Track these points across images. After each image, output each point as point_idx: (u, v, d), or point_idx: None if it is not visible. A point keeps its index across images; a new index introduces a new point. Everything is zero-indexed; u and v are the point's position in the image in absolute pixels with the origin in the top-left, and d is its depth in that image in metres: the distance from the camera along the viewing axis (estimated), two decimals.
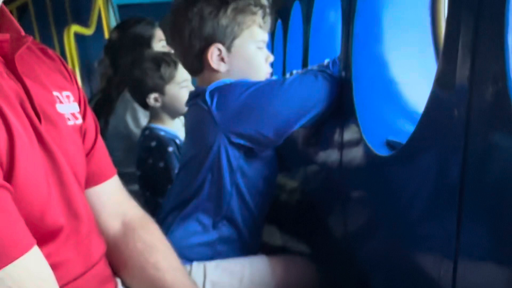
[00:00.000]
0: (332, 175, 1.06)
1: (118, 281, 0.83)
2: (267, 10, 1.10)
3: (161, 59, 1.59)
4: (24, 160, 0.59)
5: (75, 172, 0.70)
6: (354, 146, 0.90)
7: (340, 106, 1.00)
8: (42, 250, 0.59)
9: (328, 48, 1.33)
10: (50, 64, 0.75)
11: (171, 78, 1.58)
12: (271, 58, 1.15)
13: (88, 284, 0.71)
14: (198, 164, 1.09)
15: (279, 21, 1.84)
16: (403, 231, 0.69)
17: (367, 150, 0.82)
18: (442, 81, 0.57)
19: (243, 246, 1.15)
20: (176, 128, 1.68)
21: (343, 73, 0.98)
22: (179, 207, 1.13)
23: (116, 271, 0.83)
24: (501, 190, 0.46)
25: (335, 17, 1.30)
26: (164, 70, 1.57)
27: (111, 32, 2.22)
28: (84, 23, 3.25)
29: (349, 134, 0.94)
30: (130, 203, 0.88)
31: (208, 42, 1.08)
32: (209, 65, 1.10)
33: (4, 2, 0.64)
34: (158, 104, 1.60)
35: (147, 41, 1.96)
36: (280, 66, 1.84)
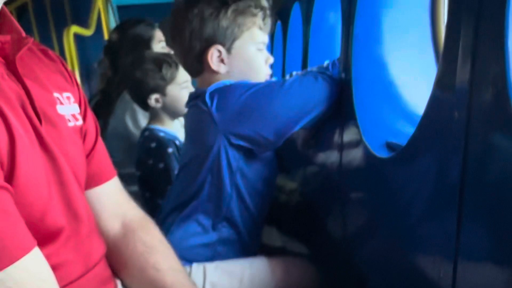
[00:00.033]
0: (332, 176, 1.06)
1: (118, 282, 0.83)
2: (267, 12, 1.11)
3: (162, 60, 1.59)
4: (25, 161, 0.59)
5: (75, 173, 0.70)
6: (354, 147, 0.90)
7: (339, 108, 1.00)
8: (42, 251, 0.59)
9: (328, 50, 1.33)
10: (50, 65, 0.76)
11: (172, 79, 1.59)
12: (271, 59, 1.15)
13: (88, 285, 0.71)
14: (198, 165, 1.09)
15: (279, 22, 1.84)
16: (403, 233, 0.69)
17: (367, 152, 0.82)
18: (442, 83, 0.58)
19: (243, 247, 1.15)
20: (175, 129, 1.68)
21: (343, 75, 0.98)
22: (179, 208, 1.13)
23: (116, 272, 0.83)
24: (501, 192, 0.46)
25: (334, 18, 1.30)
26: (166, 71, 1.57)
27: (110, 33, 2.22)
28: (84, 24, 3.25)
29: (349, 135, 0.94)
30: (130, 204, 0.88)
31: (208, 43, 1.08)
32: (209, 67, 1.10)
33: (4, 3, 0.64)
34: (159, 105, 1.61)
35: (147, 42, 1.96)
36: (280, 67, 1.85)
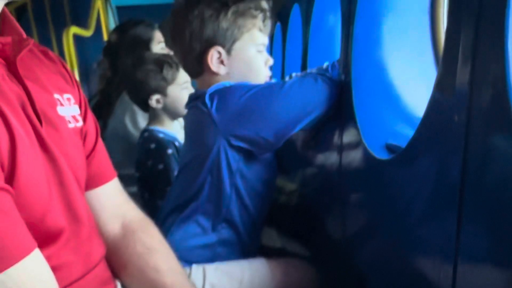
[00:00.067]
0: (332, 178, 1.06)
1: (118, 283, 0.83)
2: (268, 14, 1.11)
3: (163, 61, 1.59)
4: (26, 163, 0.59)
5: (75, 175, 0.70)
6: (354, 149, 0.90)
7: (339, 109, 1.01)
8: (42, 252, 0.59)
9: (327, 51, 1.33)
10: (51, 67, 0.76)
11: (173, 79, 1.59)
12: (271, 61, 1.15)
13: (88, 286, 0.71)
14: (198, 166, 1.09)
15: (278, 23, 1.85)
16: (403, 235, 0.69)
17: (367, 154, 0.82)
18: (443, 85, 0.58)
19: (242, 249, 1.15)
20: (175, 130, 1.68)
21: (343, 76, 0.99)
22: (179, 209, 1.13)
23: (115, 273, 0.83)
24: (501, 193, 0.46)
25: (334, 20, 1.31)
26: (167, 72, 1.58)
27: (110, 33, 2.22)
28: (83, 24, 3.25)
29: (349, 137, 0.94)
30: (130, 205, 0.88)
31: (208, 44, 1.08)
32: (209, 68, 1.10)
33: (5, 4, 0.65)
34: (160, 106, 1.61)
35: (146, 43, 1.96)
36: (279, 69, 1.85)
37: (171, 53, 1.75)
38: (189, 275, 1.07)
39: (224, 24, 1.06)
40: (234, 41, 1.08)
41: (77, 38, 3.05)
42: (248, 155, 1.08)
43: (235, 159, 1.07)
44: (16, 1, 0.63)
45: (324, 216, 1.13)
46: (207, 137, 1.06)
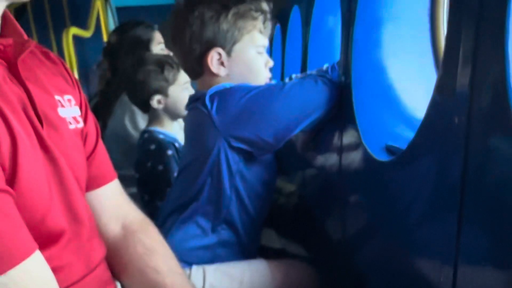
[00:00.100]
0: (332, 179, 1.06)
1: (118, 284, 0.83)
2: (268, 16, 1.11)
3: (164, 62, 1.59)
4: (27, 165, 0.59)
5: (76, 176, 0.71)
6: (354, 150, 0.91)
7: (339, 111, 1.01)
8: (43, 254, 0.60)
9: (327, 53, 1.33)
10: (52, 68, 0.76)
11: (174, 80, 1.60)
12: (271, 63, 1.16)
13: (88, 287, 0.71)
14: (198, 167, 1.09)
15: (278, 25, 1.85)
16: (403, 236, 0.69)
17: (367, 155, 0.82)
18: (443, 88, 0.58)
19: (242, 250, 1.16)
20: (174, 131, 1.68)
21: (343, 78, 0.99)
22: (179, 211, 1.14)
23: (115, 274, 0.83)
24: (502, 195, 0.46)
25: (334, 21, 1.31)
26: (168, 73, 1.58)
27: (110, 34, 2.22)
28: (83, 25, 3.26)
29: (349, 138, 0.94)
30: (130, 206, 0.88)
31: (209, 46, 1.08)
32: (209, 69, 1.10)
33: (7, 6, 0.65)
34: (161, 106, 1.61)
35: (146, 44, 1.96)
36: (279, 70, 1.85)
37: (171, 54, 1.76)
38: (189, 276, 1.07)
39: (224, 25, 1.06)
40: (234, 43, 1.08)
41: (76, 39, 3.06)
42: (248, 157, 1.08)
43: (235, 161, 1.07)
44: (18, 2, 0.63)
45: (324, 218, 1.13)
46: (207, 138, 1.06)
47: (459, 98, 0.53)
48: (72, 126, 0.73)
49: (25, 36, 0.68)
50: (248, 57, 1.11)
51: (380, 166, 0.77)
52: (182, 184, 1.16)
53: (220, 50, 1.09)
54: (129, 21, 2.06)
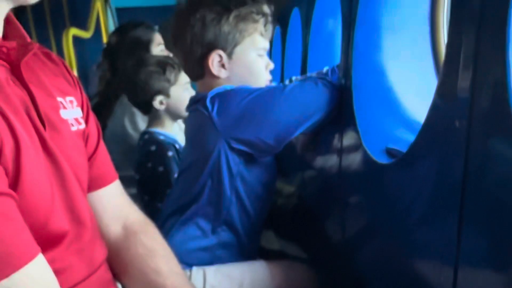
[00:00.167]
0: (332, 181, 1.07)
1: (119, 285, 0.83)
2: (269, 18, 1.11)
3: (165, 63, 1.60)
4: (30, 168, 0.59)
5: (78, 178, 0.71)
6: (354, 153, 0.91)
7: (339, 113, 1.01)
8: (45, 256, 0.60)
9: (327, 55, 1.34)
10: (54, 69, 0.76)
11: (175, 80, 1.60)
12: (272, 65, 1.16)
13: None
14: (198, 169, 1.09)
15: (277, 27, 1.85)
16: (403, 239, 0.70)
17: (367, 157, 0.82)
18: (444, 91, 0.58)
19: (242, 251, 1.16)
20: (174, 132, 1.68)
21: (343, 81, 0.99)
22: (179, 212, 1.14)
23: (116, 275, 0.83)
24: (502, 198, 0.47)
25: (334, 24, 1.31)
26: (169, 73, 1.59)
27: (110, 35, 2.23)
28: (82, 26, 3.25)
29: (349, 140, 0.94)
30: (131, 207, 0.89)
31: (210, 48, 1.09)
32: (210, 71, 1.11)
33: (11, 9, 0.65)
34: (163, 107, 1.61)
35: (146, 45, 1.96)
36: (278, 72, 1.85)
37: (171, 55, 1.76)
38: (189, 278, 1.07)
39: (225, 28, 1.07)
40: (235, 45, 1.09)
41: (76, 40, 3.05)
42: (249, 158, 1.09)
43: (236, 162, 1.07)
44: (23, 4, 0.63)
45: (324, 219, 1.14)
46: (208, 140, 1.06)
47: (460, 102, 0.53)
48: (74, 128, 0.73)
49: (28, 38, 0.68)
50: (249, 60, 1.11)
51: (380, 169, 0.77)
52: (183, 186, 1.16)
53: (221, 52, 1.09)
54: (129, 22, 2.07)
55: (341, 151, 0.99)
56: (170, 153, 1.55)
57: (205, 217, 1.12)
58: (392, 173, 0.74)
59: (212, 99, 1.05)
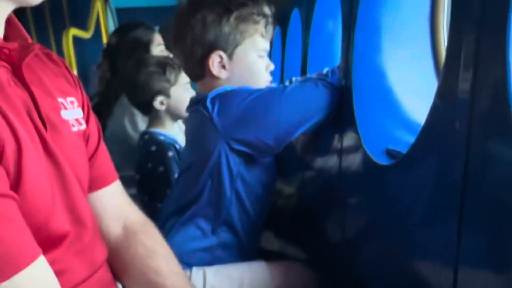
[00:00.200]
0: (332, 182, 1.07)
1: (119, 285, 0.83)
2: (270, 19, 1.11)
3: (165, 63, 1.60)
4: (31, 169, 0.59)
5: (79, 179, 0.71)
6: (354, 153, 0.91)
7: (340, 114, 1.01)
8: (46, 257, 0.60)
9: (327, 56, 1.34)
10: (55, 70, 0.76)
11: (176, 81, 1.60)
12: (272, 66, 1.16)
13: None
14: (199, 170, 1.09)
15: (277, 28, 1.85)
16: (403, 239, 0.70)
17: (367, 158, 0.83)
18: (444, 92, 0.58)
19: (242, 252, 1.16)
20: (174, 132, 1.68)
21: (343, 81, 0.99)
22: (179, 212, 1.14)
23: (117, 276, 0.83)
24: (502, 200, 0.47)
25: (334, 25, 1.31)
26: (170, 74, 1.59)
27: (110, 36, 2.23)
28: (82, 26, 3.26)
29: (349, 142, 0.95)
30: (132, 207, 0.89)
31: (210, 49, 1.09)
32: (210, 72, 1.11)
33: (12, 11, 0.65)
34: (163, 107, 1.61)
35: (146, 45, 1.96)
36: (278, 73, 1.85)
37: (171, 55, 1.76)
38: (189, 278, 1.07)
39: (226, 29, 1.07)
40: (235, 46, 1.09)
41: (76, 40, 3.06)
42: (249, 159, 1.09)
43: (236, 163, 1.07)
44: (25, 5, 0.63)
45: (324, 220, 1.14)
46: (208, 140, 1.06)
47: (460, 103, 0.53)
48: (74, 129, 0.73)
49: (29, 39, 0.68)
50: (249, 61, 1.11)
51: (381, 170, 0.77)
52: (183, 186, 1.16)
53: (221, 53, 1.09)
54: (129, 22, 2.07)
55: (341, 152, 0.99)
56: (170, 154, 1.55)
57: (205, 217, 1.12)
58: (392, 174, 0.74)
59: (213, 99, 1.06)
